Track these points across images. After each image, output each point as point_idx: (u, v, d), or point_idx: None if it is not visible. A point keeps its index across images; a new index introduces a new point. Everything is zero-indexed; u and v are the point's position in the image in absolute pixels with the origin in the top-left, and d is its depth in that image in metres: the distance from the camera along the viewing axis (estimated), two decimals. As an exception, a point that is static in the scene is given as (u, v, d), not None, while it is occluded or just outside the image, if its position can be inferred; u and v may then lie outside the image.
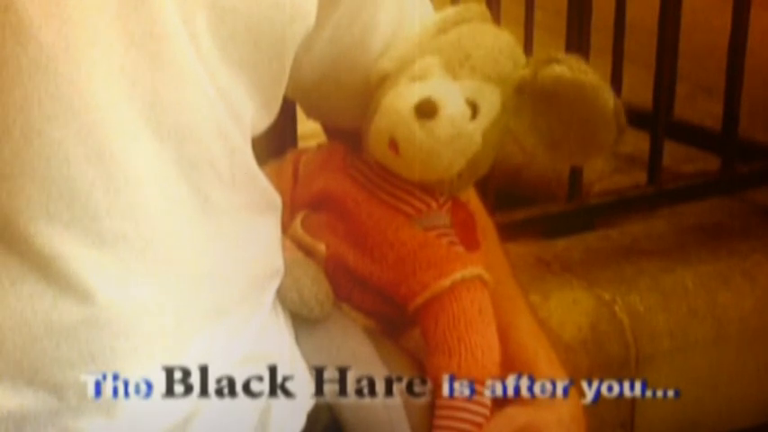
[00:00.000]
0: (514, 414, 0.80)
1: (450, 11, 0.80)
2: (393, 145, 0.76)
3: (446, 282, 0.77)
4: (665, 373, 1.49)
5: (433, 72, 0.76)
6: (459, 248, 0.79)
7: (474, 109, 0.76)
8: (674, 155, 1.69)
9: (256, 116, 0.71)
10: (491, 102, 0.76)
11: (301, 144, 1.21)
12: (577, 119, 0.76)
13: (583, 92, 0.75)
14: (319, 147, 0.87)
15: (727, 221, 1.67)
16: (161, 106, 0.64)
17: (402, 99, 0.75)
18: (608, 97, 0.75)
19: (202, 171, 0.67)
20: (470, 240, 0.80)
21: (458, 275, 0.77)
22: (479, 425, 0.77)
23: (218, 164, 0.68)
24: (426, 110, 0.74)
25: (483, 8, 0.81)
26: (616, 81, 1.61)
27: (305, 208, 0.84)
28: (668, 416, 1.51)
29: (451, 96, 0.75)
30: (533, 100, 0.77)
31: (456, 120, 0.75)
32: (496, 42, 0.77)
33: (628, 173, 1.61)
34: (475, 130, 0.76)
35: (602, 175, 1.66)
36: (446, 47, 0.77)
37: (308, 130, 1.03)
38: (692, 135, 1.75)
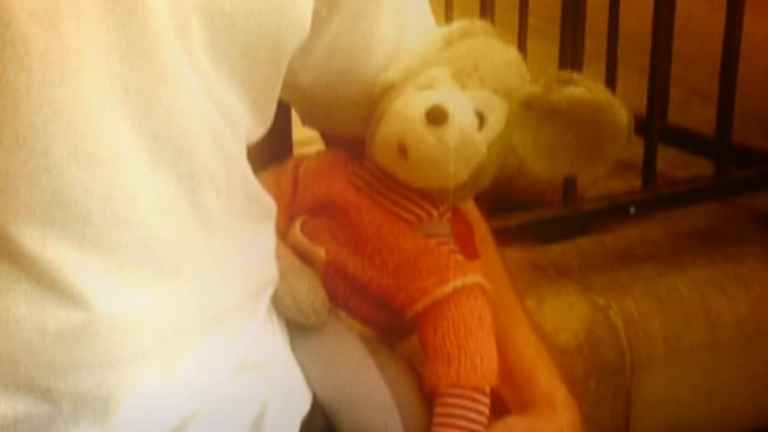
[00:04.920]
0: (513, 423, 0.80)
1: (456, 25, 0.80)
2: (402, 150, 0.76)
3: (446, 289, 0.77)
4: (660, 378, 1.49)
5: (441, 81, 0.76)
6: (459, 257, 0.79)
7: (481, 120, 0.76)
8: (669, 160, 1.70)
9: (251, 124, 0.71)
10: (498, 114, 0.76)
11: (296, 151, 1.21)
12: (587, 135, 0.77)
13: (600, 111, 0.76)
14: (320, 153, 0.87)
15: (721, 227, 1.67)
16: (155, 114, 0.64)
17: (412, 105, 0.75)
18: (624, 114, 0.76)
19: (198, 179, 0.67)
20: (469, 250, 0.80)
21: (458, 283, 0.77)
22: (478, 433, 0.76)
23: (214, 172, 0.68)
24: (437, 116, 0.74)
25: (488, 24, 0.82)
26: (610, 86, 1.59)
27: (304, 214, 0.84)
28: (663, 421, 1.51)
29: (461, 105, 0.75)
30: (540, 117, 0.77)
31: (465, 128, 0.75)
32: (504, 57, 0.78)
33: (622, 178, 1.62)
34: (481, 141, 0.76)
35: (596, 180, 1.66)
36: (455, 58, 0.77)
37: (304, 136, 1.03)
38: (685, 140, 1.76)
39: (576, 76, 0.77)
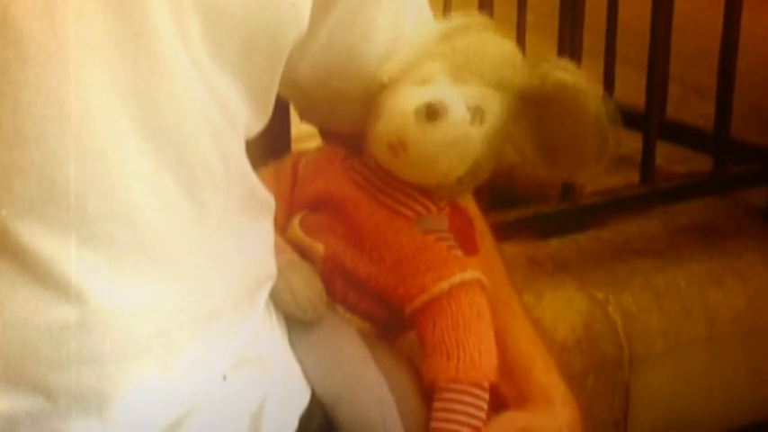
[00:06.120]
0: (512, 418, 0.80)
1: (454, 19, 0.80)
2: (396, 147, 0.76)
3: (445, 285, 0.77)
4: (658, 372, 1.49)
5: (437, 77, 0.76)
6: (458, 252, 0.79)
7: (476, 115, 0.76)
8: (667, 155, 1.70)
9: (250, 119, 0.71)
10: (493, 108, 0.76)
11: (295, 146, 1.21)
12: (567, 124, 0.76)
13: (566, 93, 0.75)
14: (318, 149, 0.87)
15: (719, 221, 1.68)
16: (153, 108, 0.64)
17: (406, 102, 0.75)
18: (591, 100, 0.74)
19: (196, 174, 0.67)
20: (468, 245, 0.80)
21: (457, 279, 0.77)
22: (477, 429, 0.76)
23: (213, 167, 0.68)
24: (430, 113, 0.74)
25: (486, 18, 0.82)
26: (608, 82, 1.61)
27: (303, 209, 0.84)
28: (662, 415, 1.51)
29: (455, 101, 0.75)
30: (538, 110, 0.77)
31: (459, 124, 0.75)
32: (500, 50, 0.78)
33: (620, 173, 1.62)
34: (477, 136, 0.76)
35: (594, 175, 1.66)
36: (450, 53, 0.77)
37: (302, 132, 1.03)
38: (684, 135, 1.76)
39: (553, 58, 0.76)
